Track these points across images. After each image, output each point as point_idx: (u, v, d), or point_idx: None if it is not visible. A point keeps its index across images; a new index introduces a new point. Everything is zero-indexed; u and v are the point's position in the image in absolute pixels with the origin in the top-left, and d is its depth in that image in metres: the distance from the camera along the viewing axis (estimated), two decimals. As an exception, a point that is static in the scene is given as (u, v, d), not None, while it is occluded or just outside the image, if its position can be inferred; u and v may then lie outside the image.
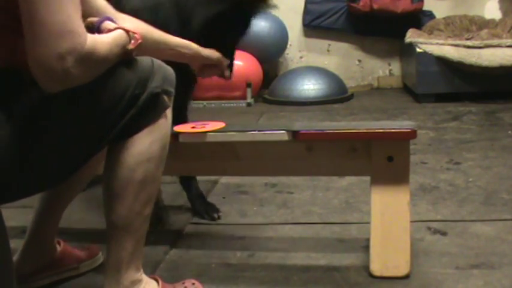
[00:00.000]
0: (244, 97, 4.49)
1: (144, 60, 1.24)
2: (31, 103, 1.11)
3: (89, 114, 1.16)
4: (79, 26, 1.01)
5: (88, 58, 1.03)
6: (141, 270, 1.33)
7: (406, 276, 1.51)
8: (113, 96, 1.17)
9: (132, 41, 1.19)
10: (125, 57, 1.18)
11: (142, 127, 1.21)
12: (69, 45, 0.99)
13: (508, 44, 4.08)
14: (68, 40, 0.98)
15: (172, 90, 1.28)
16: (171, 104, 1.28)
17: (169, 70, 1.28)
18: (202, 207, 2.04)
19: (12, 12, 1.05)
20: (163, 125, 1.25)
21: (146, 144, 1.22)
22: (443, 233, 1.81)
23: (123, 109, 1.18)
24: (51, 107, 1.12)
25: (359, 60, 5.07)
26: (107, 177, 1.25)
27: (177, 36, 1.54)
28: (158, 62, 1.26)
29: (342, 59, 5.03)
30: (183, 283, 1.45)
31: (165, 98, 1.25)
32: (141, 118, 1.21)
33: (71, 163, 1.21)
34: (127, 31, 1.18)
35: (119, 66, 1.17)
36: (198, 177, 2.09)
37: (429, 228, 1.85)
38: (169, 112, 1.28)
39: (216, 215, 2.00)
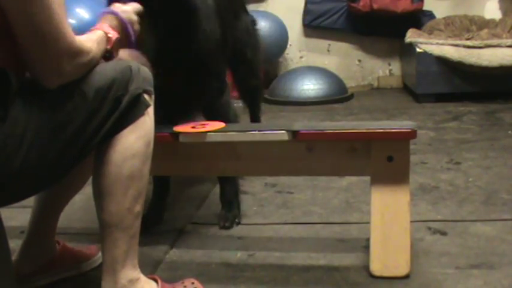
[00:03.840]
0: (244, 97, 4.47)
1: (122, 63, 1.30)
2: (23, 104, 1.14)
3: (77, 115, 1.19)
4: (68, 28, 1.13)
5: (78, 55, 1.17)
6: (138, 269, 1.34)
7: (406, 276, 1.51)
8: (97, 97, 1.22)
9: (108, 42, 1.30)
10: (104, 55, 1.29)
11: (126, 126, 1.26)
12: (64, 46, 1.12)
13: (508, 44, 4.07)
14: (62, 42, 1.12)
15: (152, 89, 1.33)
16: (152, 103, 1.33)
17: (147, 70, 1.34)
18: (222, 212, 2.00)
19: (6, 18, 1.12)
20: (146, 123, 1.30)
21: (130, 140, 1.26)
22: (443, 233, 1.81)
23: (108, 110, 1.23)
24: (40, 109, 1.15)
25: (359, 60, 5.07)
26: (96, 176, 1.29)
27: None
28: (136, 64, 1.32)
29: (342, 59, 5.02)
30: (183, 282, 1.46)
31: (146, 97, 1.31)
32: (125, 118, 1.26)
33: (62, 165, 1.23)
34: (105, 32, 1.30)
35: (100, 70, 1.24)
36: (198, 177, 2.09)
37: (429, 228, 1.85)
38: (151, 110, 1.32)
39: (222, 223, 1.94)
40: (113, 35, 1.31)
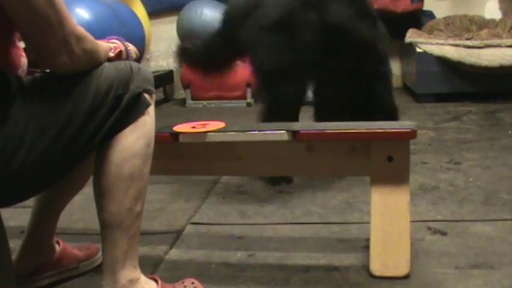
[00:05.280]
0: (244, 97, 4.49)
1: (122, 63, 1.31)
2: (23, 105, 1.14)
3: (77, 115, 1.19)
4: (69, 14, 1.16)
5: (84, 39, 1.19)
6: (139, 269, 1.34)
7: (406, 276, 1.51)
8: (98, 97, 1.22)
9: (112, 50, 1.34)
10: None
11: (126, 125, 1.26)
12: (69, 29, 1.15)
13: (508, 44, 4.08)
14: (66, 25, 1.15)
15: (152, 88, 1.34)
16: (153, 102, 1.34)
17: (147, 70, 1.35)
18: None
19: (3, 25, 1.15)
20: (147, 122, 1.30)
21: (131, 140, 1.26)
22: (443, 233, 1.81)
23: (108, 109, 1.23)
24: (40, 109, 1.15)
25: (359, 60, 5.06)
26: (96, 175, 1.29)
27: None
28: (136, 64, 1.33)
29: (342, 59, 5.01)
30: (183, 282, 1.46)
31: (147, 96, 1.31)
32: (126, 117, 1.26)
33: (63, 165, 1.23)
34: (109, 42, 1.35)
35: (100, 69, 1.25)
36: (198, 177, 2.08)
37: (429, 228, 1.85)
38: (151, 110, 1.33)
39: None
40: (118, 46, 1.35)
